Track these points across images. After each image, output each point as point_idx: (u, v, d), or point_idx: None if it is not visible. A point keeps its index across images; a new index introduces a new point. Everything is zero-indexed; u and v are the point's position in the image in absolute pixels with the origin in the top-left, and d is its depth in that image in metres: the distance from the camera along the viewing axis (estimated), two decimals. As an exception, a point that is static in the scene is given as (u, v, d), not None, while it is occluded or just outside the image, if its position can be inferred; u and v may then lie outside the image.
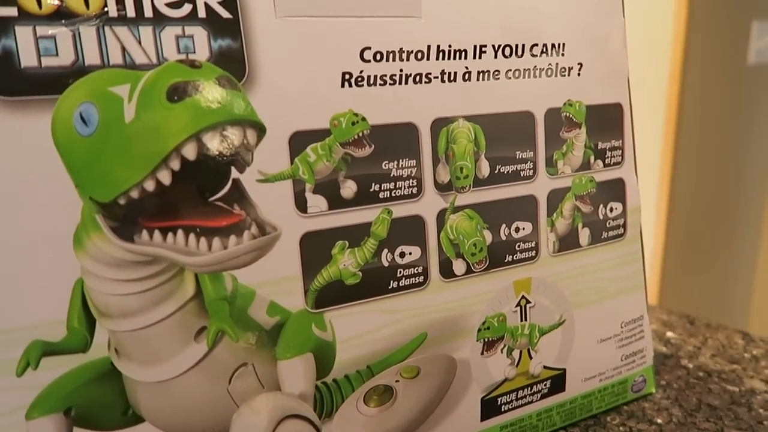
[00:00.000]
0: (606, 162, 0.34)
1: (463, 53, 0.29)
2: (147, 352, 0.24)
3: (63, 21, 0.21)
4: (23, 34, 0.21)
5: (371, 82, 0.27)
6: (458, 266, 0.30)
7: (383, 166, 0.27)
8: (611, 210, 0.35)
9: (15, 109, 0.21)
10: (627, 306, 0.37)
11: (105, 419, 0.24)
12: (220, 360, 0.25)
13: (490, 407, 0.32)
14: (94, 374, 0.23)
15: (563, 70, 0.32)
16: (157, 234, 0.23)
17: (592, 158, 0.34)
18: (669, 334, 0.49)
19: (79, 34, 0.21)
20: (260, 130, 0.24)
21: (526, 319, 0.33)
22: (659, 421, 0.36)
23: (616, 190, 0.35)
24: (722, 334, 0.49)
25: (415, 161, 0.28)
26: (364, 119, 0.27)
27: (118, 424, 0.24)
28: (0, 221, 0.21)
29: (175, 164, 0.22)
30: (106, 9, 0.22)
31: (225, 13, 0.24)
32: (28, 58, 0.21)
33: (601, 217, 0.35)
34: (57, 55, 0.21)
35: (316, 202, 0.26)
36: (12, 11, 0.20)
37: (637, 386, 0.39)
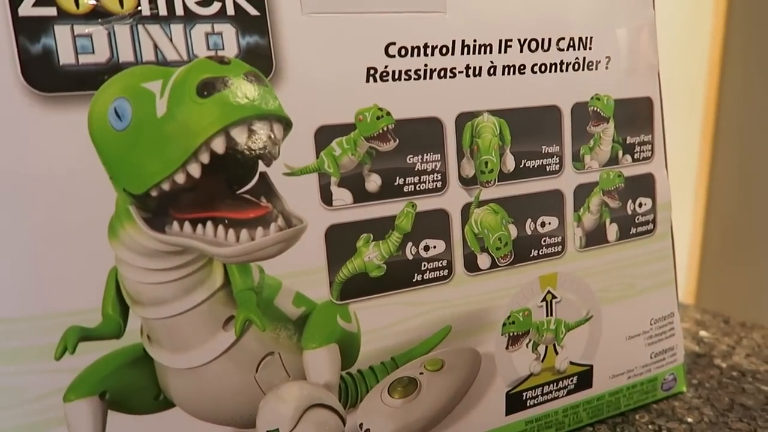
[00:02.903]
0: (635, 157, 0.34)
1: (488, 48, 0.29)
2: (177, 340, 0.25)
3: (99, 20, 0.22)
4: (62, 33, 0.21)
5: (396, 77, 0.27)
6: (483, 260, 0.30)
7: (408, 160, 0.28)
8: (640, 205, 0.35)
9: (54, 105, 0.22)
10: (657, 303, 0.36)
11: (138, 403, 0.25)
12: (247, 349, 0.26)
13: (515, 402, 0.32)
14: (127, 359, 0.24)
15: (591, 63, 0.32)
16: (187, 225, 0.24)
17: (620, 153, 0.33)
18: (702, 333, 0.48)
19: (114, 32, 0.22)
20: (287, 125, 0.25)
21: (551, 315, 0.33)
22: (690, 420, 0.36)
23: (645, 185, 0.35)
24: (758, 334, 0.47)
25: (439, 155, 0.28)
26: (388, 114, 0.27)
27: (150, 408, 0.25)
28: (39, 211, 0.22)
29: (205, 158, 0.23)
30: (139, 8, 0.23)
31: (253, 11, 0.24)
32: (66, 56, 0.22)
33: (630, 212, 0.34)
34: (93, 52, 0.22)
35: (341, 196, 0.26)
36: (51, 11, 0.21)
37: (668, 385, 0.38)
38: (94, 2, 0.22)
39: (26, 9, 0.21)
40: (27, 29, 0.21)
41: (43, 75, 0.21)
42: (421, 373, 0.29)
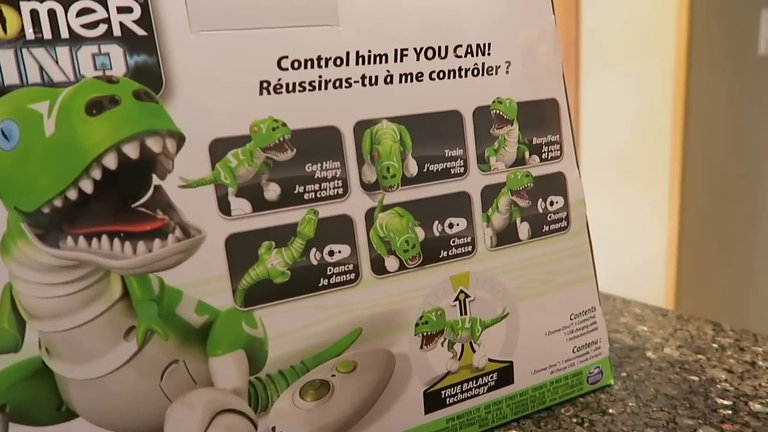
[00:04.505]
0: (543, 157, 0.35)
1: (384, 57, 0.30)
2: (77, 351, 0.25)
3: (-17, 45, 0.23)
4: (-57, 59, 0.22)
5: (290, 89, 0.28)
6: (390, 263, 0.31)
7: (306, 169, 0.29)
8: (552, 204, 0.36)
9: (-61, 129, 0.23)
10: (576, 298, 0.37)
11: (39, 415, 0.25)
12: (150, 358, 0.26)
13: (433, 400, 0.33)
14: (26, 373, 0.25)
15: (490, 69, 0.33)
16: (81, 239, 0.24)
17: (527, 154, 0.34)
18: (640, 327, 0.49)
19: (-3, 56, 0.23)
20: (179, 139, 0.26)
21: (466, 313, 0.33)
22: (612, 411, 0.37)
23: (555, 184, 0.36)
24: (693, 326, 0.48)
25: (339, 163, 0.29)
26: (284, 125, 0.28)
27: (52, 419, 0.25)
28: (-68, 232, 0.23)
29: (97, 174, 0.24)
30: (23, 32, 0.23)
31: (140, 31, 0.25)
32: (-52, 81, 0.22)
33: (541, 210, 0.35)
34: (-22, 77, 0.23)
35: (240, 205, 0.27)
36: (-69, 39, 0.22)
37: (594, 378, 0.39)
38: (-22, 29, 0.23)
39: None
40: None
41: (-72, 100, 0.22)
42: (333, 375, 0.30)
